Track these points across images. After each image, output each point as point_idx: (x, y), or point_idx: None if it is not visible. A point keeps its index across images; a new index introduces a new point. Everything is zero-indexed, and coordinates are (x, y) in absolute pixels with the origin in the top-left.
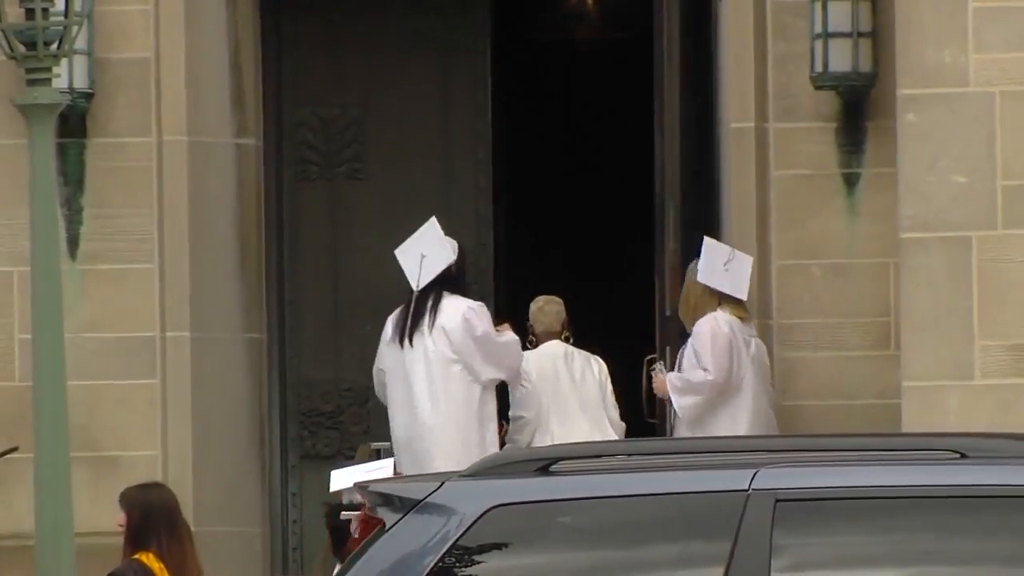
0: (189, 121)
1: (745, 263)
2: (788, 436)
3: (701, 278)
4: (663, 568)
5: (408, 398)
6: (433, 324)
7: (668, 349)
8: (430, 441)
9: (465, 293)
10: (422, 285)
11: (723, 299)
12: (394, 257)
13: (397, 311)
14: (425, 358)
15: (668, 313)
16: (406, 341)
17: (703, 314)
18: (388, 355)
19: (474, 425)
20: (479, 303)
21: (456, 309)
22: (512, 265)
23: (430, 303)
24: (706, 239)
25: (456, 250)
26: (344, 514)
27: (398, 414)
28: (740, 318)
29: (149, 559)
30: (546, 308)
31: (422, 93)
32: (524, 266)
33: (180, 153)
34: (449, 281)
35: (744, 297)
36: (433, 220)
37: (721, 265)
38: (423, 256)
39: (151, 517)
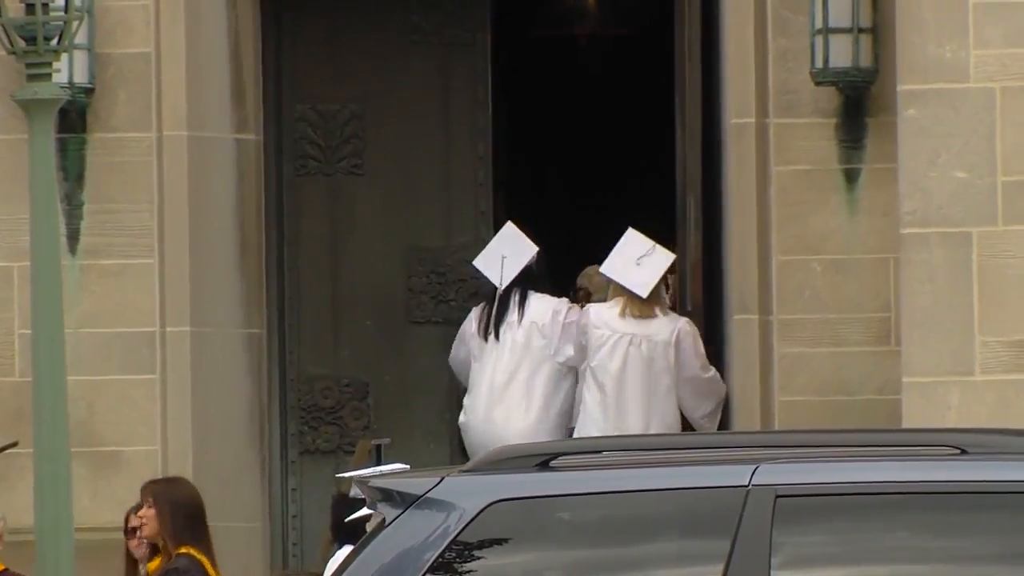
0: (189, 116)
1: (663, 260)
2: (788, 432)
3: (603, 266)
4: (663, 564)
5: (490, 390)
6: (522, 318)
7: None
8: (505, 429)
9: (551, 293)
10: (506, 283)
11: (623, 291)
12: (393, 252)
13: (480, 307)
14: (512, 351)
15: (689, 308)
16: (491, 336)
17: (597, 299)
18: (474, 346)
19: (554, 419)
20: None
21: (547, 304)
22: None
23: (516, 299)
24: (630, 230)
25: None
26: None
27: (477, 404)
28: (634, 314)
29: (199, 553)
30: (593, 275)
31: (422, 88)
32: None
33: (180, 148)
34: (532, 280)
35: (642, 294)
36: (510, 224)
37: (634, 259)
38: (504, 257)
39: (195, 513)
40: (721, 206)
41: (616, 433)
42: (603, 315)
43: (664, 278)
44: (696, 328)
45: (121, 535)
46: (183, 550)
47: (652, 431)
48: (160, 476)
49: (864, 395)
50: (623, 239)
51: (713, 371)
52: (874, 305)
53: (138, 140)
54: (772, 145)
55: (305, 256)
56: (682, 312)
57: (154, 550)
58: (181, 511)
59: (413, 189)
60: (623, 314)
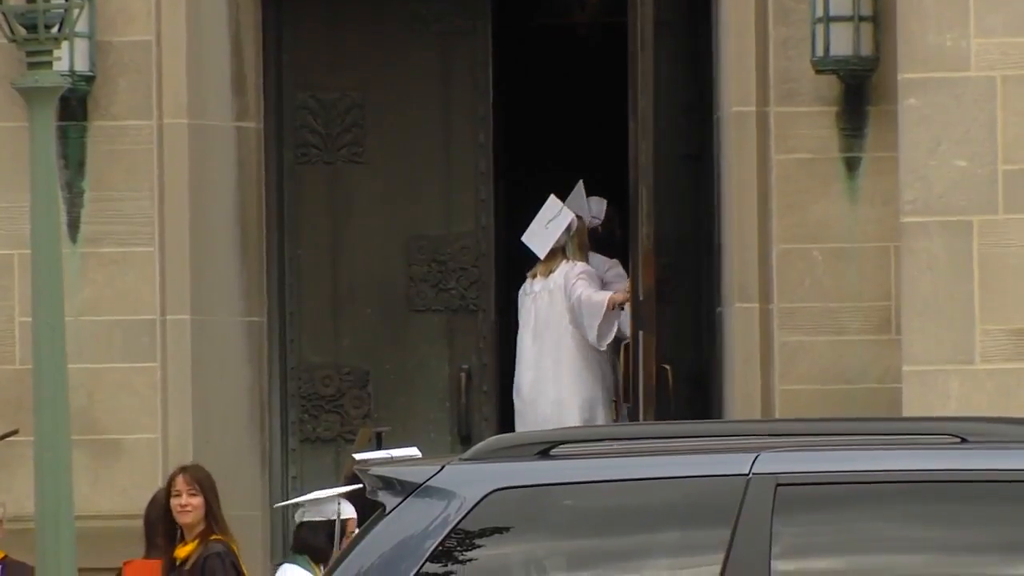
0: (190, 104)
1: (564, 221)
2: (789, 420)
3: (524, 235)
4: (664, 552)
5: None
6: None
7: (641, 334)
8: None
9: (612, 253)
10: (544, 253)
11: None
12: (394, 240)
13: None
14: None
15: (641, 297)
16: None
17: None
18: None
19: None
20: (585, 267)
21: (563, 269)
22: (513, 248)
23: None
24: (551, 196)
25: (590, 209)
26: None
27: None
28: (538, 274)
29: (231, 540)
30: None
31: (422, 76)
32: (525, 249)
33: (181, 136)
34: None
35: (540, 256)
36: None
37: (544, 223)
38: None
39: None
40: (720, 194)
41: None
42: (525, 285)
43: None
44: (590, 272)
45: (124, 522)
46: (215, 537)
47: (548, 376)
48: (188, 463)
49: (865, 384)
50: (544, 205)
51: (583, 296)
52: (875, 294)
53: (139, 128)
54: (773, 133)
55: (305, 244)
56: (634, 302)
57: (175, 537)
58: (218, 499)
59: (414, 177)
60: (534, 275)
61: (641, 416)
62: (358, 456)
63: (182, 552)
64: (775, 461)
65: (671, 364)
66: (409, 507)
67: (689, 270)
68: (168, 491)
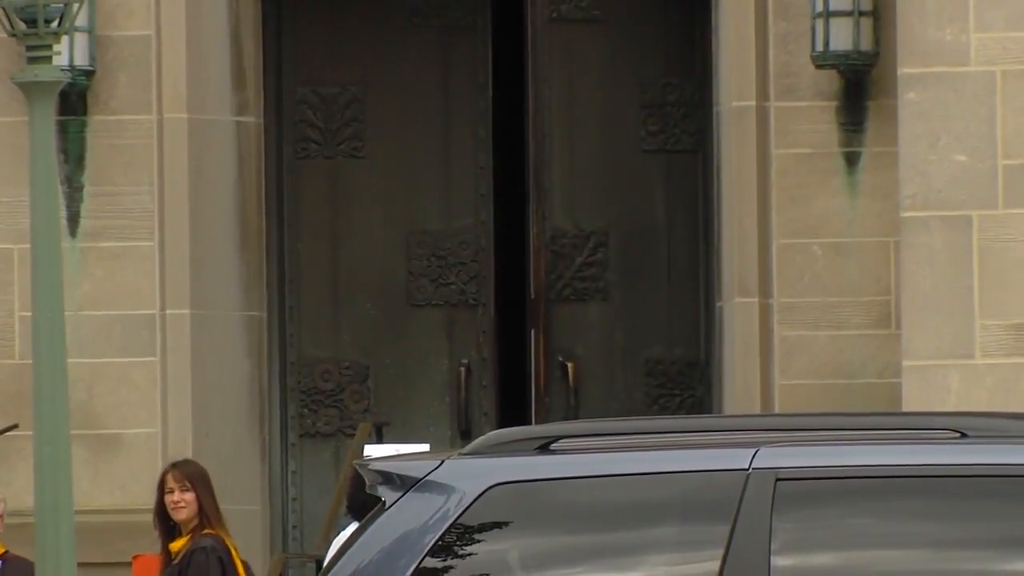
0: (189, 99)
1: None
2: (789, 415)
3: None
4: (663, 547)
5: None
6: None
7: (532, 332)
8: None
9: None
10: None
11: None
12: (393, 235)
13: None
14: None
15: (532, 296)
16: None
17: None
18: None
19: None
20: None
21: None
22: (512, 243)
23: None
24: None
25: None
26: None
27: None
28: None
29: (226, 535)
30: None
31: (422, 71)
32: (524, 244)
33: (180, 131)
34: None
35: None
36: None
37: None
38: None
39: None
40: (719, 190)
41: None
42: None
43: None
44: None
45: (123, 516)
46: (207, 531)
47: None
48: (179, 459)
49: (864, 378)
50: None
51: None
52: (874, 288)
53: (138, 122)
54: (772, 128)
55: (305, 239)
56: (527, 299)
57: (172, 532)
58: (213, 493)
59: (413, 172)
60: None
61: (533, 413)
62: (367, 449)
63: (175, 547)
64: (775, 456)
65: (664, 360)
66: (409, 502)
67: (670, 264)
68: (161, 489)
